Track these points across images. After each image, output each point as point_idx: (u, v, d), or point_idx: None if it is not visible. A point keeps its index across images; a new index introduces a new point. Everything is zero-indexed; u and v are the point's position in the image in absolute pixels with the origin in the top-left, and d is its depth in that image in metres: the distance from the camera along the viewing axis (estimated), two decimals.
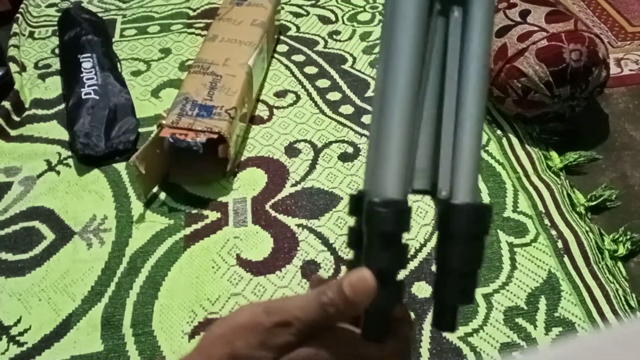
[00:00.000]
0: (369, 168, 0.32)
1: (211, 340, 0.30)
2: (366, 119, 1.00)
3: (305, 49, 1.17)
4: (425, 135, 0.32)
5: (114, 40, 1.19)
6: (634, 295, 0.73)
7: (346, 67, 1.12)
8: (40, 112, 1.03)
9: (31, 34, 1.23)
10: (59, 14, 1.22)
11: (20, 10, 1.28)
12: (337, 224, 0.83)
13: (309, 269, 0.78)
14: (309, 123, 1.00)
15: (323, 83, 1.08)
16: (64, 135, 0.98)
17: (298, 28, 1.23)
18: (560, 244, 0.79)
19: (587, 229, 0.81)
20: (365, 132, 0.97)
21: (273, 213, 0.85)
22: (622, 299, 0.73)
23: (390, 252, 0.30)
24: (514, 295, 0.74)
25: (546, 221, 0.82)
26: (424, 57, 0.30)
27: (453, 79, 0.31)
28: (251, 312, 0.30)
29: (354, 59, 1.14)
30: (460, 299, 0.32)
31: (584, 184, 0.89)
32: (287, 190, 0.89)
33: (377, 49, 1.13)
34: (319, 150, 0.95)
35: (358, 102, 1.04)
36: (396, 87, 0.29)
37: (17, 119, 1.01)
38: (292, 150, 0.95)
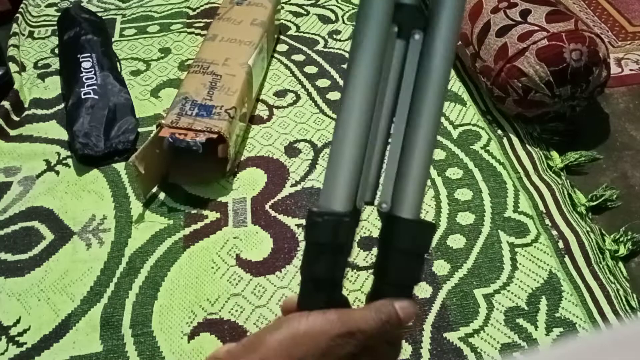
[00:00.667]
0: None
1: (270, 346, 0.30)
2: None
3: (305, 49, 1.17)
4: (378, 151, 0.33)
5: (113, 39, 1.19)
6: (634, 295, 0.73)
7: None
8: (39, 111, 1.03)
9: (31, 34, 1.23)
10: (59, 14, 1.22)
11: (20, 9, 1.27)
12: None
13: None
14: (309, 123, 1.00)
15: (323, 83, 1.08)
16: (63, 135, 0.97)
17: (298, 27, 1.23)
18: (561, 244, 0.79)
19: (588, 229, 0.81)
20: None
21: (273, 213, 0.85)
22: (623, 299, 0.73)
23: (324, 262, 0.31)
24: (515, 295, 0.74)
25: (547, 221, 0.82)
26: (379, 79, 0.31)
27: (407, 99, 0.32)
28: (310, 321, 0.30)
29: None
30: None
31: (585, 184, 0.89)
32: (287, 190, 0.88)
33: None
34: (319, 150, 0.95)
35: None
36: (351, 112, 0.30)
37: (16, 118, 1.01)
38: (292, 150, 0.95)
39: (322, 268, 0.31)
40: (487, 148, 0.94)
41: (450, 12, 0.30)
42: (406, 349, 0.68)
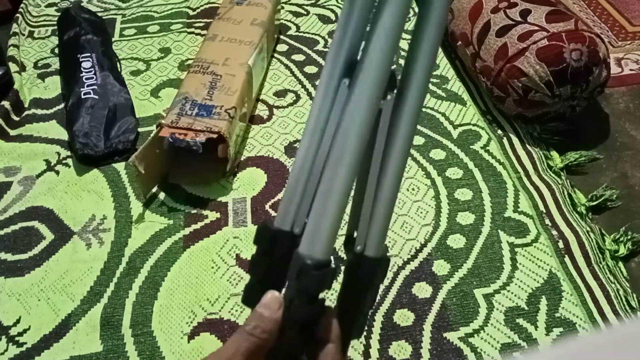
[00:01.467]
0: (289, 210, 0.35)
1: None
2: None
3: (305, 49, 1.17)
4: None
5: (113, 39, 1.19)
6: (634, 295, 0.73)
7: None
8: (39, 111, 1.03)
9: (31, 34, 1.23)
10: (59, 14, 1.21)
11: (20, 9, 1.27)
12: None
13: None
14: None
15: None
16: (63, 135, 0.97)
17: (298, 27, 1.23)
18: (561, 244, 0.79)
19: (588, 229, 0.81)
20: None
21: (273, 213, 0.85)
22: (623, 299, 0.73)
23: (312, 307, 0.34)
24: (515, 295, 0.74)
25: (547, 221, 0.82)
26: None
27: (379, 155, 0.34)
28: None
29: None
30: (354, 334, 0.36)
31: (585, 184, 0.89)
32: None
33: None
34: None
35: None
36: (346, 168, 0.32)
37: (16, 118, 1.01)
38: (292, 150, 0.95)
39: (311, 313, 0.34)
40: (487, 148, 0.94)
41: (420, 76, 0.33)
42: (406, 349, 0.69)
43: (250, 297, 0.35)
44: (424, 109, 1.00)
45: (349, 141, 0.32)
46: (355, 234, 0.36)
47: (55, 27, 1.21)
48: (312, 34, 1.21)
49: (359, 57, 0.32)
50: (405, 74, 0.33)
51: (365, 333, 0.69)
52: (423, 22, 0.32)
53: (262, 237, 0.35)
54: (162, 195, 0.87)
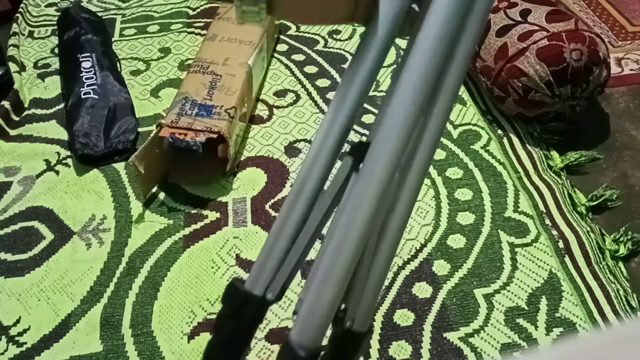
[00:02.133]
0: (263, 273, 0.34)
1: None
2: (366, 118, 0.99)
3: (305, 48, 1.17)
4: None
5: (113, 39, 1.19)
6: (634, 295, 0.73)
7: (346, 66, 1.12)
8: (39, 111, 1.03)
9: (31, 34, 1.23)
10: (59, 14, 1.21)
11: (20, 9, 1.27)
12: None
13: (310, 269, 0.77)
14: (309, 122, 1.00)
15: (323, 82, 1.08)
16: (63, 135, 0.97)
17: (298, 27, 1.23)
18: (561, 244, 0.79)
19: (588, 229, 0.81)
20: (366, 131, 0.97)
21: (273, 213, 0.85)
22: (623, 299, 0.73)
23: None
24: (515, 295, 0.74)
25: (547, 221, 0.82)
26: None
27: (375, 236, 0.34)
28: None
29: None
30: None
31: (585, 184, 0.89)
32: (287, 190, 0.88)
33: None
34: None
35: None
36: (348, 254, 0.32)
37: (16, 118, 1.01)
38: (292, 150, 0.95)
39: None
40: (487, 148, 0.94)
41: (423, 158, 0.33)
42: (406, 349, 0.69)
43: (213, 356, 0.34)
44: None
45: (355, 228, 0.31)
46: (342, 306, 0.35)
47: (55, 27, 1.20)
48: (312, 33, 1.21)
49: (370, 139, 0.31)
50: (410, 154, 0.32)
51: None
52: (432, 106, 0.31)
53: (231, 298, 0.33)
54: (162, 195, 0.87)
